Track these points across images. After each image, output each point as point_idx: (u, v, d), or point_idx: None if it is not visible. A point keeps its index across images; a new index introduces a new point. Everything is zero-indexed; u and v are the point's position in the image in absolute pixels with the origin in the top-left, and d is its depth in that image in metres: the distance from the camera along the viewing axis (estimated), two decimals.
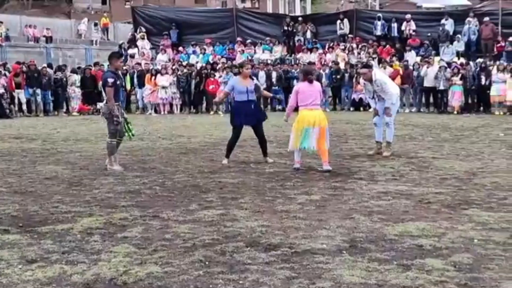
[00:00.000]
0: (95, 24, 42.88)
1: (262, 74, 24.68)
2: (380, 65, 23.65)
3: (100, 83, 23.97)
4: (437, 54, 24.74)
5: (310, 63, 24.94)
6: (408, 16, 26.66)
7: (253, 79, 10.56)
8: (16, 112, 22.94)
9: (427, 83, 22.15)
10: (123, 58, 10.91)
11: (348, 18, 27.90)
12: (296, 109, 9.72)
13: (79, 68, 26.03)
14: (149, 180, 8.72)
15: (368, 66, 11.46)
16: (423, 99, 23.01)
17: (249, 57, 27.09)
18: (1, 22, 35.26)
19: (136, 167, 9.97)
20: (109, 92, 9.58)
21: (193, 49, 28.12)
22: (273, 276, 4.42)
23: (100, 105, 11.12)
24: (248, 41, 28.49)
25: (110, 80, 9.57)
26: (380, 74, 11.29)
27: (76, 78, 24.48)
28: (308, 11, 53.43)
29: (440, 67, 21.96)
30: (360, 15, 28.58)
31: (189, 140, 13.77)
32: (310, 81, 9.55)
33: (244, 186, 8.19)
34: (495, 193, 7.40)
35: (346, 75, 23.83)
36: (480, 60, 22.35)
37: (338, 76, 23.72)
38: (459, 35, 24.95)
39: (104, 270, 4.63)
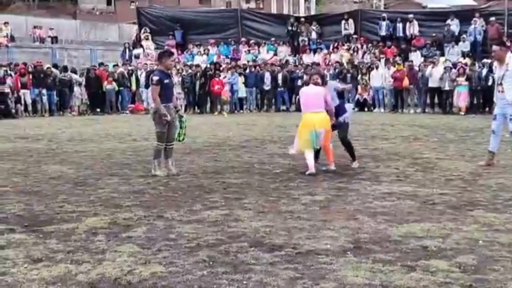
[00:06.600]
0: None
1: (267, 76, 24.72)
2: (386, 65, 23.69)
3: (105, 83, 24.40)
4: (442, 54, 24.70)
5: (314, 63, 25.01)
6: (411, 16, 26.62)
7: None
8: (22, 112, 23.04)
9: (432, 83, 22.13)
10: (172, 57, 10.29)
11: (353, 18, 27.93)
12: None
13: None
14: (153, 180, 8.73)
15: (502, 44, 10.16)
16: (428, 100, 22.97)
17: (254, 58, 27.20)
18: (7, 23, 35.36)
19: (140, 167, 9.97)
20: (153, 90, 9.14)
21: (198, 49, 28.18)
22: (277, 277, 4.42)
23: (151, 105, 10.71)
24: (252, 41, 28.52)
25: (155, 78, 9.07)
26: None
27: (75, 77, 24.64)
28: (313, 12, 53.49)
29: (445, 68, 21.93)
30: (364, 16, 28.62)
31: (194, 140, 13.77)
32: (315, 84, 9.31)
33: (248, 186, 8.19)
34: (500, 194, 7.37)
35: (349, 75, 23.83)
36: (486, 60, 22.28)
37: (341, 77, 23.72)
38: (464, 35, 24.90)
39: (109, 269, 4.64)
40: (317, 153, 9.64)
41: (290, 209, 6.71)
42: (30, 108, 23.43)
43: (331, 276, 4.45)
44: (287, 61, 26.84)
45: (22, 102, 23.19)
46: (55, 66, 25.71)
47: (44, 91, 23.43)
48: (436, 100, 22.86)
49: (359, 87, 23.93)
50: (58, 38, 39.03)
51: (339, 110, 9.65)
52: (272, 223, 6.04)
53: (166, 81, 9.17)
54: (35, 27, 39.10)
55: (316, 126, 9.02)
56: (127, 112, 24.49)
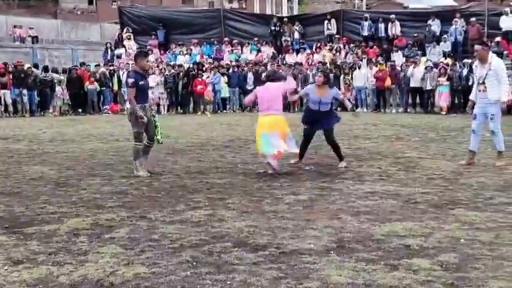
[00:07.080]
0: None
1: (250, 75, 24.71)
2: (368, 65, 23.79)
3: (87, 83, 24.24)
4: (424, 54, 24.86)
5: (297, 63, 25.05)
6: (393, 16, 26.75)
7: (332, 88, 10.19)
8: (2, 113, 22.83)
9: (414, 83, 22.27)
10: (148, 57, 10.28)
11: (335, 18, 27.99)
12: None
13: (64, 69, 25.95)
14: (136, 180, 8.69)
15: (484, 43, 10.33)
16: (410, 100, 23.11)
17: (237, 58, 27.18)
18: None
19: (123, 167, 9.92)
20: (130, 92, 9.17)
21: (180, 49, 28.10)
22: (261, 277, 4.42)
23: (127, 105, 10.73)
24: (235, 41, 28.50)
25: (130, 80, 9.07)
26: (498, 60, 9.81)
27: (56, 76, 24.45)
28: (295, 12, 53.57)
29: (426, 68, 22.08)
30: (347, 16, 28.70)
31: (176, 140, 13.73)
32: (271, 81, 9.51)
33: (232, 186, 8.18)
34: (481, 193, 7.44)
35: (331, 75, 23.87)
36: (467, 60, 22.43)
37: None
38: (445, 36, 25.07)
39: (91, 271, 4.61)
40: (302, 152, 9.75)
41: (273, 209, 6.72)
42: (10, 108, 23.20)
43: (315, 275, 4.45)
44: (274, 54, 26.82)
45: (2, 102, 22.98)
46: (36, 66, 25.49)
47: (24, 91, 23.22)
48: (417, 99, 23.01)
49: (341, 87, 24.01)
50: (39, 38, 38.70)
51: (324, 117, 9.81)
52: (256, 223, 6.04)
53: (141, 82, 9.18)
54: (15, 26, 38.77)
55: (267, 129, 9.06)
56: (109, 112, 24.35)
